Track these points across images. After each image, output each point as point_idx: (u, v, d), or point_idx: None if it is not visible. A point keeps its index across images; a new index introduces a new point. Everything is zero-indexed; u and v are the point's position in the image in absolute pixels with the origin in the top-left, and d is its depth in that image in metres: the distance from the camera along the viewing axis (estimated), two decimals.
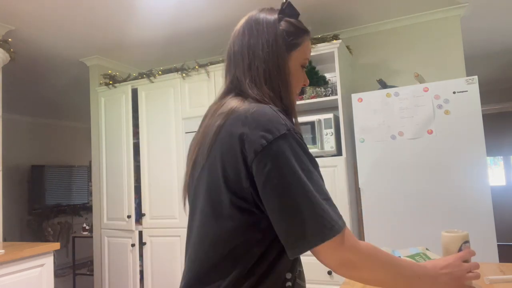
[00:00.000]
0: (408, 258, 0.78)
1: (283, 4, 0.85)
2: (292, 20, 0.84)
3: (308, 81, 0.90)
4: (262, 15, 0.84)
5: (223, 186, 0.74)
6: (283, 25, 0.83)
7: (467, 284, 0.76)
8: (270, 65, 0.80)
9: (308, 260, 2.63)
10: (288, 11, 0.85)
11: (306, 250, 0.68)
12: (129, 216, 3.30)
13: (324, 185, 0.72)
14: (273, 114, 0.73)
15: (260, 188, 0.70)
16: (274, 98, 0.79)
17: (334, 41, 2.76)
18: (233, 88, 0.84)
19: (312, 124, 2.76)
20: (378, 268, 0.70)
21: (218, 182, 0.75)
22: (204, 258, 0.77)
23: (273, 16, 0.83)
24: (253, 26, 0.84)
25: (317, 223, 0.67)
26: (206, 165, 0.79)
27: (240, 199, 0.73)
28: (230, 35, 0.92)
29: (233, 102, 0.80)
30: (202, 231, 0.79)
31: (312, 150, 2.72)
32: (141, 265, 3.28)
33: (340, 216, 0.70)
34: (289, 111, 0.81)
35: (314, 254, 0.70)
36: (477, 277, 0.76)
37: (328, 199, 0.70)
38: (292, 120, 0.81)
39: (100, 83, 3.63)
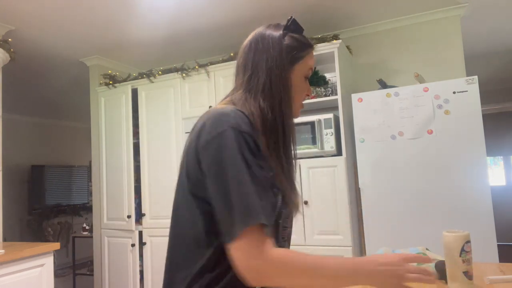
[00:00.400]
0: (344, 256, 0.75)
1: (288, 20, 0.89)
2: (296, 35, 0.89)
3: (311, 91, 0.95)
4: (268, 31, 0.89)
5: (185, 179, 0.80)
6: (287, 40, 0.88)
7: (405, 285, 0.72)
8: (273, 78, 0.84)
9: None
10: (292, 27, 0.89)
11: (233, 235, 0.68)
12: (129, 216, 3.30)
13: (262, 181, 0.73)
14: (227, 112, 0.77)
15: (205, 178, 0.75)
16: (265, 110, 0.82)
17: (334, 41, 2.76)
18: (229, 96, 0.90)
19: (312, 124, 2.76)
20: (293, 276, 0.69)
21: (183, 176, 0.82)
22: (173, 248, 0.84)
23: (278, 32, 0.88)
24: (259, 41, 0.88)
25: (241, 210, 0.69)
26: (180, 163, 0.85)
27: (197, 190, 0.78)
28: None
29: (216, 106, 0.85)
30: (172, 222, 0.86)
31: (312, 150, 2.73)
32: (141, 265, 3.28)
33: (266, 213, 0.70)
34: (286, 121, 0.84)
35: (230, 252, 0.70)
36: (419, 279, 0.71)
37: (255, 194, 0.70)
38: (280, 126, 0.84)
39: (100, 83, 3.63)
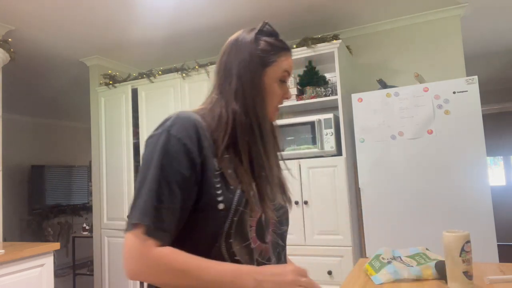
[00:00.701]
0: (232, 266, 0.76)
1: (261, 25, 0.91)
2: (268, 38, 0.90)
3: (290, 94, 0.94)
4: (241, 36, 0.91)
5: None
6: (260, 43, 0.89)
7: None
8: (244, 82, 0.86)
9: (308, 260, 2.64)
10: (266, 30, 0.91)
11: (126, 228, 0.75)
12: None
13: (172, 184, 0.76)
14: (170, 116, 0.82)
15: None
16: (238, 113, 0.84)
17: (334, 41, 2.76)
18: (206, 99, 0.93)
19: (312, 124, 2.76)
20: (167, 278, 0.73)
21: None
22: None
23: (250, 36, 0.89)
24: (232, 45, 0.90)
25: (141, 208, 0.75)
26: None
27: None
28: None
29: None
30: None
31: (312, 150, 2.73)
32: None
33: (157, 215, 0.74)
34: (262, 123, 0.86)
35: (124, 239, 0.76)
36: None
37: (153, 197, 0.74)
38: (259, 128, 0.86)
39: (100, 83, 3.63)
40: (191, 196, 0.78)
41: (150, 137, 0.81)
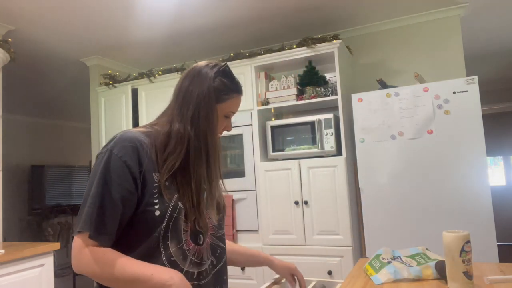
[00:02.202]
0: (161, 267, 0.89)
1: (221, 65, 1.05)
2: (225, 79, 1.03)
3: (231, 128, 1.10)
4: (205, 69, 1.04)
5: None
6: (217, 81, 1.02)
7: None
8: (200, 111, 0.99)
9: (308, 260, 2.64)
10: (225, 71, 1.04)
11: (74, 233, 0.91)
12: None
13: (113, 197, 0.90)
14: (115, 136, 0.97)
15: None
16: (192, 137, 0.98)
17: (334, 41, 2.76)
18: (161, 116, 1.06)
19: (312, 124, 2.76)
20: (101, 271, 0.88)
21: None
22: None
23: (211, 72, 1.03)
24: (195, 75, 1.03)
25: (84, 216, 0.89)
26: None
27: None
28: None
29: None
30: None
31: (312, 150, 2.73)
32: None
33: (93, 224, 0.88)
34: (210, 149, 1.00)
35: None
36: None
37: (97, 206, 0.89)
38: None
39: (100, 83, 3.63)
40: (130, 204, 0.91)
41: (98, 154, 0.95)
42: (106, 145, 0.96)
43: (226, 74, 1.04)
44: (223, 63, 1.06)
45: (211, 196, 1.02)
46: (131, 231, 0.93)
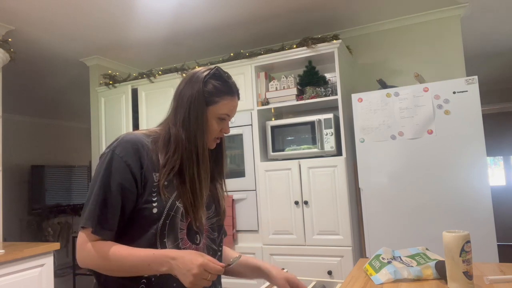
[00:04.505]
0: (165, 251, 0.92)
1: (212, 68, 1.07)
2: (215, 82, 1.05)
3: (228, 130, 1.10)
4: (197, 74, 1.07)
5: None
6: (208, 84, 1.05)
7: (194, 280, 0.85)
8: (191, 114, 1.03)
9: (308, 260, 2.64)
10: (216, 74, 1.06)
11: (79, 228, 0.96)
12: None
13: (113, 195, 0.94)
14: (118, 137, 1.01)
15: None
16: (183, 140, 1.02)
17: (334, 41, 2.76)
18: (163, 121, 1.11)
19: (312, 124, 2.76)
20: (104, 263, 0.93)
21: None
22: None
23: (202, 76, 1.05)
24: (190, 79, 1.07)
25: (87, 213, 0.95)
26: None
27: None
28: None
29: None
30: None
31: (312, 150, 2.73)
32: None
33: (95, 220, 0.93)
34: (199, 151, 1.03)
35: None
36: (203, 276, 0.85)
37: (99, 203, 0.94)
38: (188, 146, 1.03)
39: (100, 83, 3.63)
40: (130, 201, 0.96)
41: (101, 155, 1.00)
42: (109, 146, 1.00)
43: (217, 77, 1.06)
44: (214, 66, 1.09)
45: (201, 196, 1.03)
46: (131, 227, 0.98)
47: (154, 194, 0.98)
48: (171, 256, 0.89)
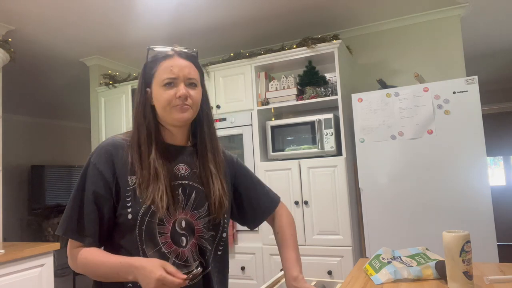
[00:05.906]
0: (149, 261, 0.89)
1: (147, 52, 1.04)
2: (149, 59, 1.04)
3: (182, 91, 0.98)
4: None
5: None
6: (145, 68, 1.05)
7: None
8: (139, 102, 1.03)
9: (308, 260, 2.64)
10: (148, 53, 1.04)
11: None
12: None
13: (82, 200, 0.95)
14: (98, 145, 1.01)
15: None
16: (141, 126, 1.01)
17: (334, 41, 2.76)
18: None
19: (312, 124, 2.76)
20: (85, 269, 0.95)
21: None
22: None
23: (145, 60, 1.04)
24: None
25: (63, 221, 0.96)
26: None
27: None
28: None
29: None
30: None
31: (312, 150, 2.73)
32: None
33: (73, 228, 0.94)
34: (168, 121, 1.01)
35: None
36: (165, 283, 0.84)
37: (76, 211, 0.95)
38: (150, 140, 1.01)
39: (100, 83, 3.63)
40: (106, 207, 0.95)
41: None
42: (91, 153, 1.02)
43: (149, 54, 1.05)
44: (147, 48, 1.06)
45: (158, 179, 0.97)
46: (115, 233, 0.98)
47: (129, 199, 0.95)
48: (134, 265, 0.88)
